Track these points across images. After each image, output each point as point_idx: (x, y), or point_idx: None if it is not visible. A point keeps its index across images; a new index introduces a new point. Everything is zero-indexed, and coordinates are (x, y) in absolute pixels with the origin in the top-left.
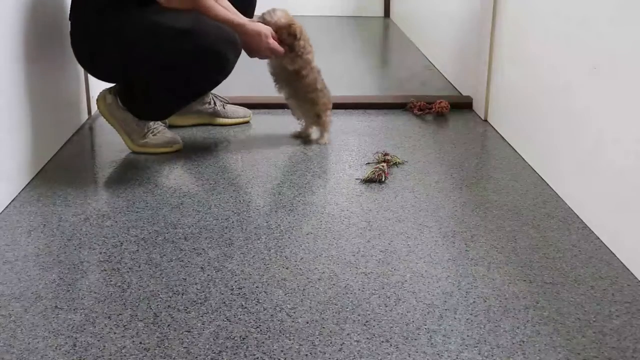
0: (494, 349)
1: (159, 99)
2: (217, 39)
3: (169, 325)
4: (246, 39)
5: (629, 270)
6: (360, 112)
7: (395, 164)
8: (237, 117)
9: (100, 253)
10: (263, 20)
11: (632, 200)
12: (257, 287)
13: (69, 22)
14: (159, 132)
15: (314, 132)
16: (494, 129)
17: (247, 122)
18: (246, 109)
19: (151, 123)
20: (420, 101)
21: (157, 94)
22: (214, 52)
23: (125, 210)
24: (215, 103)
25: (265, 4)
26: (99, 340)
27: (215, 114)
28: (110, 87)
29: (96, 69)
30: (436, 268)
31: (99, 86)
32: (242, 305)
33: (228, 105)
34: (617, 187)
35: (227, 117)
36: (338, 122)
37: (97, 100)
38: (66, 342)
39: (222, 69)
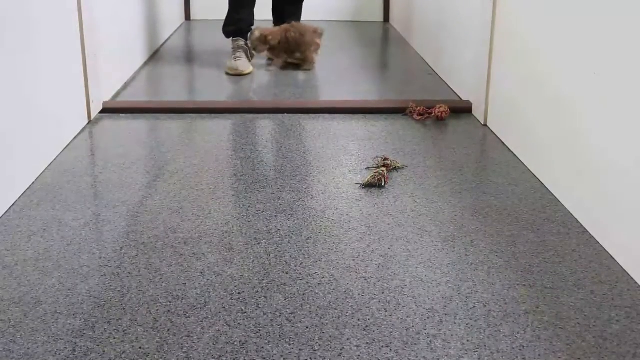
0: (494, 353)
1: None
2: None
3: (168, 330)
4: None
5: (629, 275)
6: (360, 117)
7: (395, 168)
8: None
9: (100, 258)
10: None
11: (632, 205)
12: (256, 291)
13: None
14: (237, 57)
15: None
16: (494, 133)
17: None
18: None
19: (237, 51)
20: (420, 106)
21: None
22: None
23: (124, 215)
24: None
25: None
26: (98, 345)
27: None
28: None
29: None
30: (436, 273)
31: (98, 90)
32: (242, 310)
33: None
34: (617, 191)
35: None
36: (338, 126)
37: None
38: (66, 347)
39: None
